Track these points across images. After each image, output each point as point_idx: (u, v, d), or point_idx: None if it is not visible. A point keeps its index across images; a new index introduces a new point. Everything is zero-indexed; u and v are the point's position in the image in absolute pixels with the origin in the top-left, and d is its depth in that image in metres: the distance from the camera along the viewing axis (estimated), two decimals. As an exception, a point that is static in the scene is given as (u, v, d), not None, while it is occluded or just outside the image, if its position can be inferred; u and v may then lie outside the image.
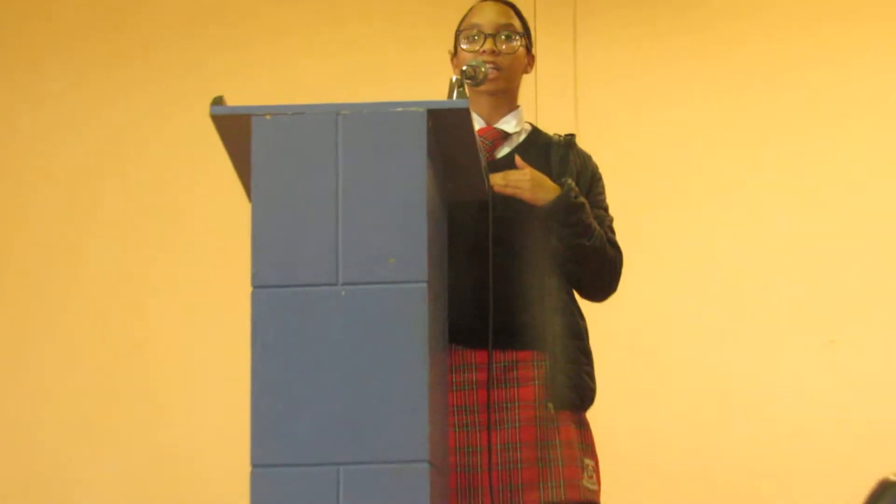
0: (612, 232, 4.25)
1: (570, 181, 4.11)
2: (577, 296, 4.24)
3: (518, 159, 4.09)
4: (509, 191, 4.04)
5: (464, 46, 4.25)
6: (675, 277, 7.36)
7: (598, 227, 4.12)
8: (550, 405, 4.07)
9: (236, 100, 3.64)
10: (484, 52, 4.21)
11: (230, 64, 7.63)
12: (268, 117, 3.54)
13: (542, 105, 6.57)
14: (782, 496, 7.24)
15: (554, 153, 4.23)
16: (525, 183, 4.07)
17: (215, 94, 3.60)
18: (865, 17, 7.71)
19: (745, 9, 7.79)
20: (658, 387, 7.39)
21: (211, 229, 7.55)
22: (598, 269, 4.18)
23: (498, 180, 4.04)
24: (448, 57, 4.37)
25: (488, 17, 4.28)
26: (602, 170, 4.38)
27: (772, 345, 7.51)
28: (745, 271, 7.59)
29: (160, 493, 7.55)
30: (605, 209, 4.27)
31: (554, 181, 4.12)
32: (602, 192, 4.30)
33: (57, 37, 8.00)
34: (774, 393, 7.44)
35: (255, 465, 3.43)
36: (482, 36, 4.24)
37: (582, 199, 4.10)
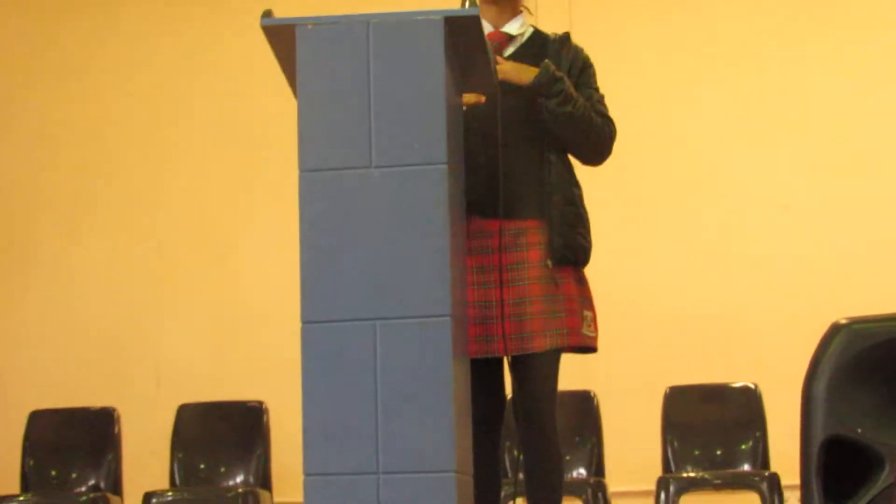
0: (604, 107, 4.22)
1: (547, 61, 4.10)
2: (575, 166, 4.20)
3: (497, 58, 4.07)
4: (500, 77, 4.01)
5: (470, -42, 4.21)
6: (659, 164, 7.31)
7: (580, 98, 4.12)
8: (549, 262, 4.05)
9: (283, 11, 3.62)
10: None
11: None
12: (309, 27, 3.55)
13: (542, 8, 6.50)
14: (749, 337, 7.24)
15: (551, 48, 4.21)
16: (510, 70, 4.06)
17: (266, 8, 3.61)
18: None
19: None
20: (644, 247, 7.38)
21: (258, 127, 7.55)
22: (586, 134, 4.14)
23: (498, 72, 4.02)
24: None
25: (492, -62, 4.23)
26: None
27: (736, 210, 7.50)
28: (715, 154, 7.56)
29: (231, 344, 7.59)
30: (596, 89, 4.25)
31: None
32: (592, 76, 4.28)
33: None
34: (740, 250, 7.43)
35: (305, 321, 3.44)
36: (486, -53, 4.20)
37: (561, 74, 4.10)
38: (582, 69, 4.22)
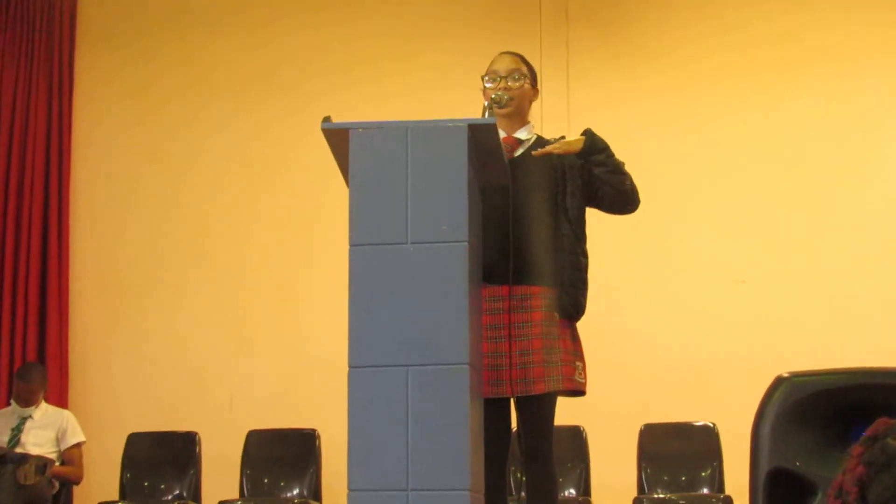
0: None
1: (588, 128, 4.13)
2: (584, 239, 4.20)
3: (539, 150, 4.10)
4: (557, 150, 4.06)
5: (488, 85, 4.23)
6: (638, 240, 7.29)
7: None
8: (556, 314, 4.04)
9: (339, 117, 3.65)
10: (501, 88, 4.19)
11: (339, 92, 7.64)
12: (360, 130, 3.57)
13: (546, 122, 6.52)
14: (709, 385, 7.19)
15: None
16: (560, 146, 4.09)
17: (325, 115, 3.64)
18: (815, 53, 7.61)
19: (702, 53, 7.70)
20: (626, 310, 7.36)
21: (317, 211, 7.58)
22: (630, 187, 4.15)
23: (549, 150, 4.07)
24: (479, 91, 4.33)
25: (503, 64, 4.26)
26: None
27: (701, 281, 7.47)
28: (684, 234, 7.55)
29: (292, 382, 7.58)
30: None
31: (552, 168, 4.13)
32: None
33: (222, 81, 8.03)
34: (704, 313, 7.40)
35: (351, 366, 3.44)
36: (499, 77, 4.22)
37: (602, 139, 4.13)
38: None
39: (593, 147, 4.09)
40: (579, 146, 4.09)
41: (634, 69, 7.72)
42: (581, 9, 7.82)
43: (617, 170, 4.12)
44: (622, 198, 4.17)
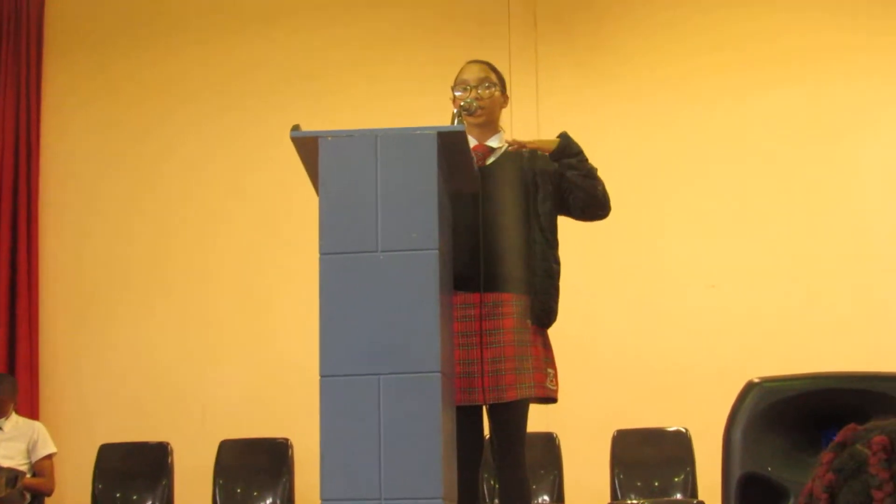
0: None
1: (564, 131, 4.15)
2: (556, 245, 4.19)
3: (524, 141, 4.14)
4: (531, 145, 4.12)
5: (458, 94, 4.23)
6: (611, 247, 7.29)
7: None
8: (529, 321, 4.04)
9: (308, 126, 3.63)
10: (472, 97, 4.19)
11: (308, 100, 7.63)
12: (329, 139, 3.56)
13: (516, 129, 6.53)
14: (681, 391, 7.20)
15: (524, 155, 4.21)
16: (537, 143, 4.15)
17: (294, 123, 3.62)
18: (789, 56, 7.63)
19: (672, 58, 7.72)
20: (599, 316, 7.37)
21: (287, 219, 7.56)
22: (597, 187, 4.16)
23: (524, 143, 4.12)
24: (448, 100, 4.32)
25: (473, 73, 4.27)
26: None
27: (673, 288, 7.48)
28: (657, 241, 7.56)
29: (263, 391, 7.55)
30: None
31: (523, 175, 4.14)
32: None
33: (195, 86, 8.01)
34: (676, 320, 7.41)
35: (323, 375, 3.43)
36: (469, 87, 4.22)
37: (577, 143, 4.15)
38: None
39: (568, 150, 4.10)
40: (553, 146, 4.10)
41: (604, 74, 7.74)
42: (549, 15, 7.83)
43: (589, 174, 4.13)
44: (593, 203, 4.17)
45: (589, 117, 7.50)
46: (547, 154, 4.12)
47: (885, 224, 7.44)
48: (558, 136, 4.14)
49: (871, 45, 7.62)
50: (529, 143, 4.11)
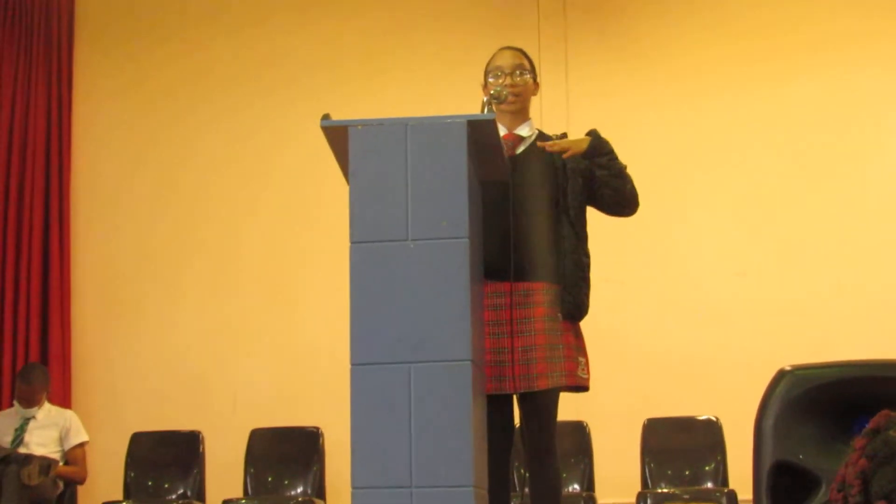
0: None
1: (594, 129, 4.13)
2: (585, 239, 4.18)
3: (556, 142, 4.09)
4: (561, 150, 4.06)
5: (491, 80, 4.21)
6: (643, 238, 7.26)
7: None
8: (559, 314, 4.04)
9: (337, 115, 3.64)
10: (506, 84, 4.17)
11: (335, 88, 7.64)
12: (359, 127, 3.55)
13: (546, 116, 6.53)
14: (712, 380, 7.19)
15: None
16: (567, 144, 4.09)
17: (322, 112, 3.62)
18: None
19: (701, 45, 7.70)
20: (631, 305, 7.36)
21: (317, 208, 7.58)
22: (630, 191, 4.15)
23: (555, 148, 4.07)
24: (478, 87, 4.32)
25: (507, 60, 4.23)
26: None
27: (703, 276, 7.47)
28: (687, 230, 7.55)
29: (294, 380, 7.58)
30: None
31: (553, 168, 4.11)
32: None
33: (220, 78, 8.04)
34: (707, 308, 7.40)
35: (353, 363, 3.43)
36: (503, 73, 4.20)
37: (607, 141, 4.12)
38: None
39: (598, 149, 4.09)
40: (584, 147, 4.09)
41: (633, 61, 7.72)
42: (579, 1, 7.81)
43: (619, 174, 4.11)
44: (622, 201, 4.17)
45: (618, 103, 7.50)
46: (577, 155, 4.10)
47: (917, 211, 7.41)
48: (587, 134, 4.11)
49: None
50: (561, 147, 4.06)
